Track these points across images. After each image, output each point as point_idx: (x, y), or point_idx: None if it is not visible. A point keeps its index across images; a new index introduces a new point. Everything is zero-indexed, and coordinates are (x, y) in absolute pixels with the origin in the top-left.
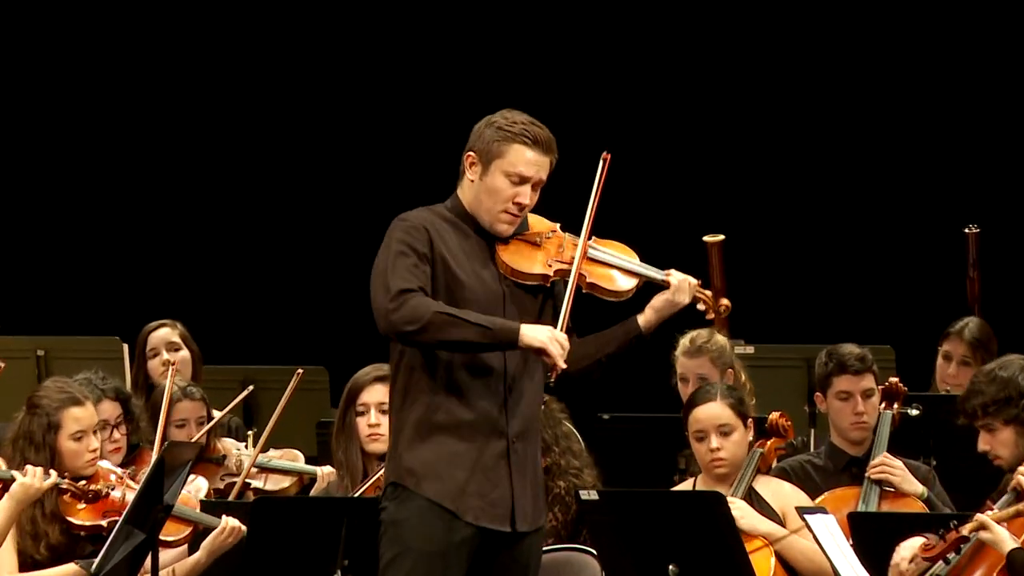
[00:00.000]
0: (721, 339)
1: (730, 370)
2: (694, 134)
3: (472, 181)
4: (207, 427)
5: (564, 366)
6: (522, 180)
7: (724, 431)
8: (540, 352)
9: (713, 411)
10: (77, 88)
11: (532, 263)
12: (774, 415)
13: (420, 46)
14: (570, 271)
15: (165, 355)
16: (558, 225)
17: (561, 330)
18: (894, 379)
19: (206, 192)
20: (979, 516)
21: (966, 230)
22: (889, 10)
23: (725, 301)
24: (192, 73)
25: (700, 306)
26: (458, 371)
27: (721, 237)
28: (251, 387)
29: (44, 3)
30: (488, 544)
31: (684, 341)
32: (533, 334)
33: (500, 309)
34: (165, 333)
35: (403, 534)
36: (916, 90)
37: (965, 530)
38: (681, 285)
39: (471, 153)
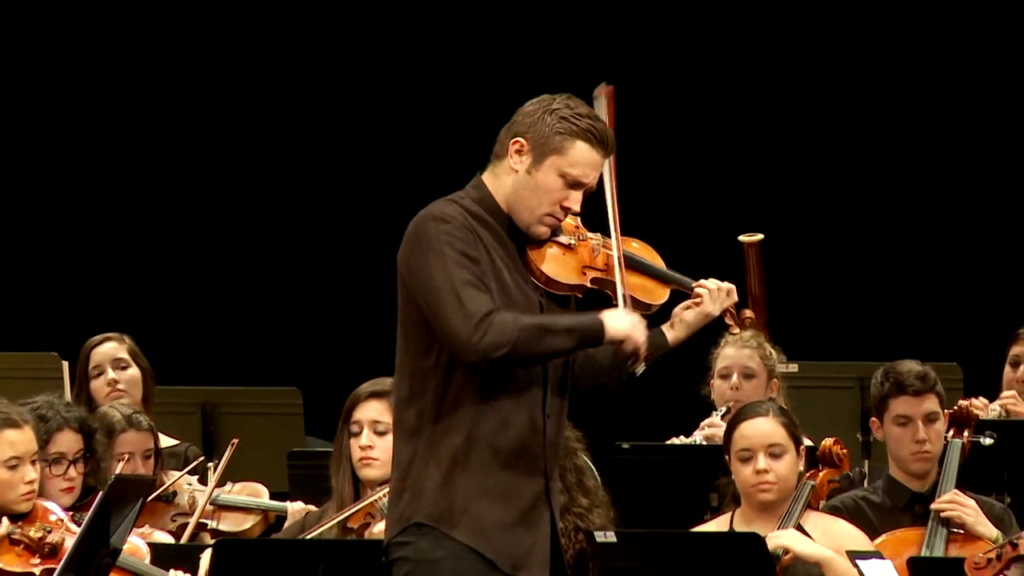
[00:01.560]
0: (769, 345)
1: (775, 379)
2: (731, 119)
3: (516, 172)
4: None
5: (643, 355)
6: (577, 184)
7: (774, 452)
8: (623, 342)
9: (763, 428)
10: (13, 95)
11: (568, 271)
12: (827, 442)
13: (389, 57)
14: (604, 279)
15: (111, 374)
16: (579, 220)
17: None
18: (963, 402)
19: (156, 189)
20: None
21: None
22: (950, 4)
23: (748, 312)
24: (141, 82)
25: (727, 318)
26: (500, 394)
27: (760, 236)
28: (235, 441)
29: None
30: None
31: (730, 335)
32: (616, 325)
33: None
34: (110, 348)
35: (439, 574)
36: (987, 84)
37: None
38: (717, 294)
39: (521, 139)
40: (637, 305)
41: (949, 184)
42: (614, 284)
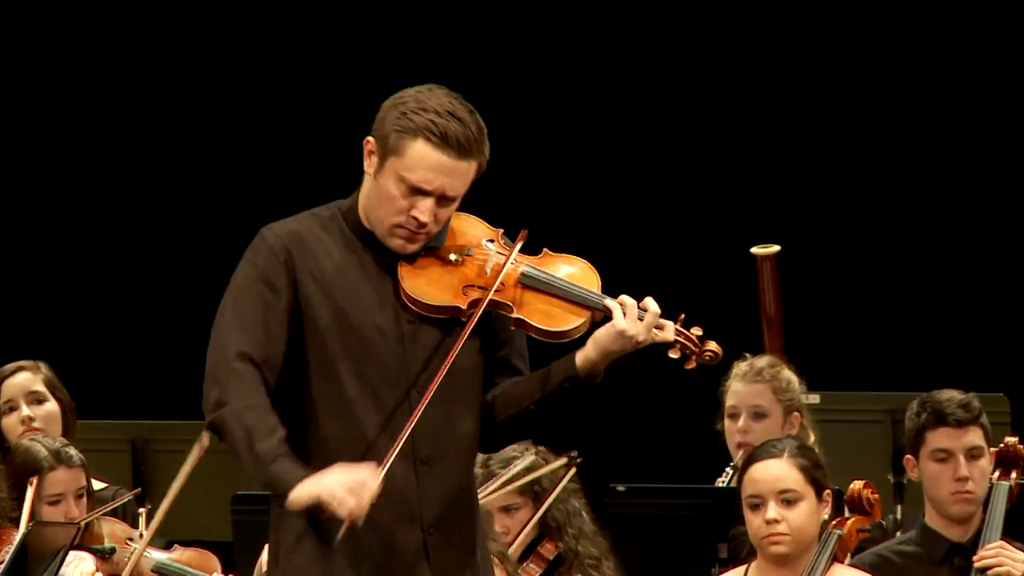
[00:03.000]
0: (789, 372)
1: (796, 413)
2: (741, 113)
3: (369, 176)
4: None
5: (351, 518)
6: (418, 191)
7: (787, 498)
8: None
9: (775, 471)
10: None
11: (440, 290)
12: (857, 484)
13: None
14: (484, 299)
15: (25, 409)
16: (500, 232)
17: (426, 398)
18: (1011, 438)
19: (79, 199)
20: None
21: None
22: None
23: (714, 346)
24: (70, 94)
25: (672, 353)
26: (357, 432)
27: (775, 248)
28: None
29: None
30: None
31: (740, 366)
32: (308, 491)
33: (400, 355)
34: (24, 380)
35: None
36: None
37: None
38: (628, 308)
39: (371, 139)
40: (541, 334)
41: (989, 188)
42: (499, 304)
